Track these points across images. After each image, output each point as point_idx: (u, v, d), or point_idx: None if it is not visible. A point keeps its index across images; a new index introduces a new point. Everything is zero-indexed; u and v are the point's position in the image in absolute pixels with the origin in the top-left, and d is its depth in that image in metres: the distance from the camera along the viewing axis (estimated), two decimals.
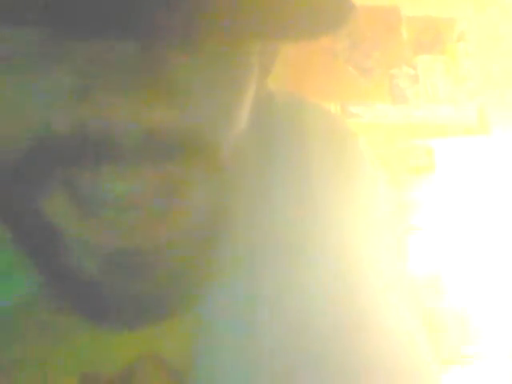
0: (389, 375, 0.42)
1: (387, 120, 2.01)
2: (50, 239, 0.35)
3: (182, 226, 0.35)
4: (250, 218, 0.43)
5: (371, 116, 2.00)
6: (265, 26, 0.30)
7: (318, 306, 0.43)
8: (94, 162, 0.32)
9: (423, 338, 0.47)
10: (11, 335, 0.40)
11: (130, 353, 0.42)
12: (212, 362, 0.42)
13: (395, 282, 0.48)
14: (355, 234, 0.47)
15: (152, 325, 0.37)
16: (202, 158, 0.35)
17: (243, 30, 0.29)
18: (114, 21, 0.27)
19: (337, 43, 1.99)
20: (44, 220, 0.34)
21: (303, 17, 0.31)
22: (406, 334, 0.45)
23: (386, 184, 0.52)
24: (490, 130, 2.09)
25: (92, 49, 0.31)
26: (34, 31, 0.31)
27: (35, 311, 0.40)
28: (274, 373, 0.41)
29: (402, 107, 2.03)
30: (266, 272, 0.43)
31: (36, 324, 0.40)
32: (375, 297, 0.45)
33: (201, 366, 0.42)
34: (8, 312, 0.40)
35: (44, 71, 0.32)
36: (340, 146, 0.49)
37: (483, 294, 1.98)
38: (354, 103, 1.99)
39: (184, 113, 0.33)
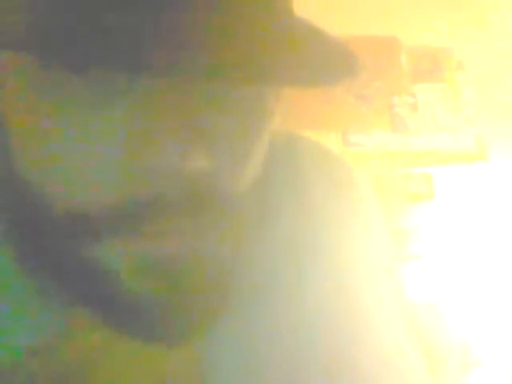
0: None
1: (387, 148, 2.02)
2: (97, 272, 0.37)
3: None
4: (253, 257, 0.44)
5: (371, 144, 2.01)
6: (277, 73, 0.32)
7: (316, 343, 0.45)
8: (141, 212, 0.34)
9: (416, 357, 0.49)
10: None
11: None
12: None
13: (393, 308, 0.50)
14: (354, 266, 0.49)
15: (174, 344, 0.39)
16: (220, 204, 0.36)
17: (257, 76, 0.31)
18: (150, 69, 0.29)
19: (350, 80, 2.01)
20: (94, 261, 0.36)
21: (312, 68, 0.34)
22: (399, 351, 0.48)
23: (381, 214, 0.54)
24: (488, 157, 2.11)
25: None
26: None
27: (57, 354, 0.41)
28: None
29: (402, 135, 2.05)
30: (267, 309, 0.45)
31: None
32: (375, 325, 0.48)
33: None
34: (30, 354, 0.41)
35: (91, 130, 0.33)
36: (337, 181, 0.51)
37: (483, 321, 1.98)
38: (354, 132, 2.01)
39: (217, 163, 0.34)
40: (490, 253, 2.01)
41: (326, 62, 0.34)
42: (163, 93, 0.32)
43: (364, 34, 1.99)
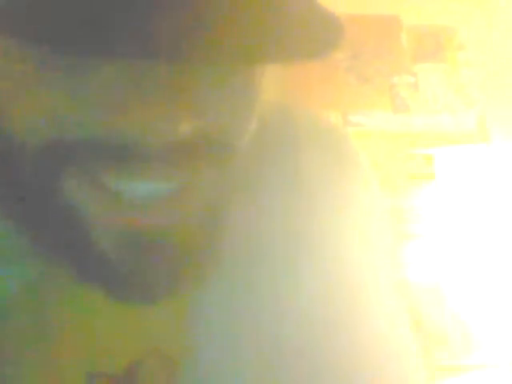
0: (377, 377, 0.45)
1: (388, 128, 2.02)
2: (68, 220, 0.37)
3: (190, 211, 0.38)
4: (248, 220, 0.46)
5: (372, 124, 2.01)
6: (261, 49, 0.33)
7: (312, 309, 0.45)
8: (121, 161, 0.35)
9: (413, 344, 0.49)
10: (16, 322, 0.41)
11: (133, 348, 0.43)
12: (208, 355, 0.44)
13: (389, 288, 0.50)
14: (351, 240, 0.49)
15: (155, 301, 0.40)
16: (216, 158, 0.38)
17: (241, 51, 0.32)
18: (147, 42, 0.30)
19: (337, 52, 2.00)
20: (63, 202, 0.37)
21: (296, 41, 0.34)
22: (397, 339, 0.48)
23: (379, 187, 0.53)
24: (490, 137, 2.10)
25: (128, 67, 0.34)
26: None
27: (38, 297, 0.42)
28: (264, 366, 0.44)
29: (403, 116, 2.04)
30: (261, 273, 0.45)
31: (38, 312, 0.42)
32: (370, 302, 0.48)
33: (198, 359, 0.44)
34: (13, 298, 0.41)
35: (82, 81, 0.34)
36: (334, 149, 0.51)
37: (484, 302, 1.98)
38: (354, 112, 2.00)
39: (205, 121, 0.36)
40: (490, 234, 2.01)
41: (313, 34, 0.35)
42: (154, 65, 0.34)
43: (365, 12, 1.98)
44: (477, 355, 1.96)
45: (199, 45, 0.31)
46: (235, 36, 0.31)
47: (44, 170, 0.37)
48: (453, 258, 1.99)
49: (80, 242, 0.38)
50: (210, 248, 0.41)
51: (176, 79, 0.34)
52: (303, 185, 0.48)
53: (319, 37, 0.35)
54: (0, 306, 0.41)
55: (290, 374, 0.44)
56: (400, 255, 1.93)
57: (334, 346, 0.45)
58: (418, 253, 1.97)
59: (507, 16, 2.11)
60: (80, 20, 0.30)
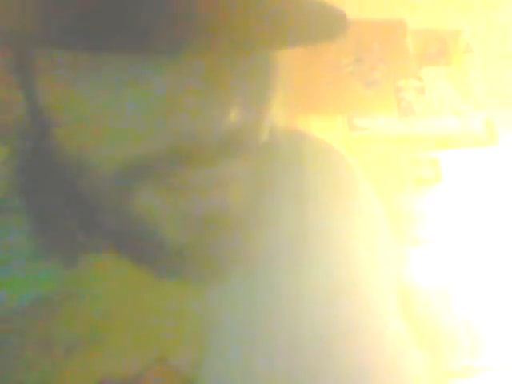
0: (381, 379, 0.47)
1: (394, 132, 2.02)
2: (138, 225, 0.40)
3: (239, 197, 0.41)
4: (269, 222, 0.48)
5: (378, 128, 2.01)
6: (264, 35, 0.36)
7: (317, 311, 0.47)
8: (183, 158, 0.38)
9: (412, 347, 0.50)
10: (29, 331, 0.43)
11: (141, 356, 0.45)
12: (220, 366, 0.46)
13: (390, 291, 0.52)
14: (353, 246, 0.51)
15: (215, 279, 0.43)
16: (251, 150, 0.41)
17: (248, 39, 0.35)
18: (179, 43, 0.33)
19: (342, 56, 2.00)
20: (135, 212, 0.40)
21: (299, 27, 0.37)
22: (398, 341, 0.49)
23: (379, 204, 0.56)
24: (497, 140, 2.10)
25: (171, 66, 0.36)
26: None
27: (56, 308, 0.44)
28: (274, 377, 0.46)
29: (409, 119, 2.04)
30: (273, 278, 0.48)
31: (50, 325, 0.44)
32: (373, 305, 0.50)
33: (209, 370, 0.45)
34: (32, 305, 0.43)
35: (134, 91, 0.37)
36: (335, 171, 0.54)
37: (492, 305, 1.97)
38: (360, 116, 2.00)
39: (244, 110, 0.39)
40: (498, 237, 2.01)
41: (314, 20, 0.37)
42: (193, 65, 0.36)
43: (370, 16, 1.98)
44: (485, 358, 1.95)
45: (216, 37, 0.33)
46: (242, 25, 0.34)
47: (117, 189, 0.39)
48: (460, 261, 1.99)
49: (146, 240, 0.41)
50: (254, 233, 0.43)
51: (213, 72, 0.36)
52: (308, 200, 0.50)
53: (322, 22, 0.38)
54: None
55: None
56: (407, 259, 1.93)
57: (347, 353, 0.47)
58: (425, 257, 1.97)
59: None
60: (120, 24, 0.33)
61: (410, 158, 2.01)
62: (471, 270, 1.99)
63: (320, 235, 0.50)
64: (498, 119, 2.10)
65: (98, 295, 0.45)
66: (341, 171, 0.54)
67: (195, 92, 0.36)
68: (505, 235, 2.00)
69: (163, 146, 0.37)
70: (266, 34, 0.35)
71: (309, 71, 1.89)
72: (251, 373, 0.46)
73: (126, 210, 0.40)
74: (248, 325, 0.47)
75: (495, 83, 2.10)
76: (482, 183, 2.04)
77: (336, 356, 0.46)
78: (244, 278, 0.46)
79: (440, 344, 1.88)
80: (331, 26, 0.38)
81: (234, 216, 0.41)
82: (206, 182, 0.39)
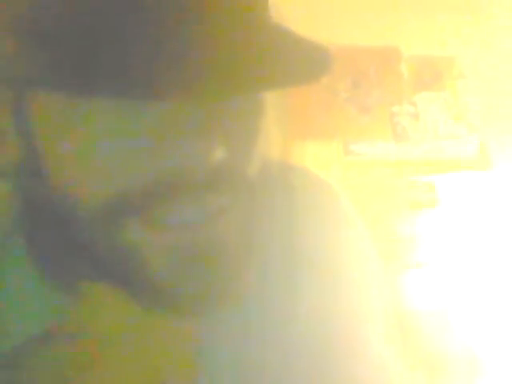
0: None
1: (389, 157, 2.03)
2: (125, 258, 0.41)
3: (228, 233, 0.42)
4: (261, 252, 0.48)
5: (373, 154, 2.02)
6: (253, 78, 0.37)
7: (308, 340, 0.49)
8: (169, 194, 0.39)
9: (398, 368, 0.52)
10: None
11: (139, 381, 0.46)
12: None
13: (379, 317, 0.54)
14: (342, 275, 0.53)
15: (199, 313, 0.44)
16: (239, 185, 0.42)
17: (240, 82, 0.37)
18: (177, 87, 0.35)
19: (337, 82, 2.02)
20: (120, 246, 0.41)
21: (289, 70, 0.38)
22: (385, 362, 0.51)
23: (367, 233, 0.58)
24: (492, 164, 2.10)
25: (165, 108, 0.37)
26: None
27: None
28: None
29: (404, 144, 2.05)
30: (264, 307, 0.49)
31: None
32: (363, 329, 0.52)
33: None
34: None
35: (123, 128, 0.38)
36: (324, 204, 0.56)
37: (488, 329, 1.97)
38: (355, 141, 2.01)
39: (232, 147, 0.40)
40: (493, 261, 2.01)
41: (301, 63, 0.39)
42: (184, 104, 0.38)
43: (365, 43, 2.00)
44: (484, 381, 1.94)
45: (205, 83, 0.35)
46: (231, 70, 0.36)
47: (105, 224, 0.40)
48: (458, 285, 1.99)
49: (135, 273, 0.42)
50: (244, 267, 0.44)
51: (203, 113, 0.38)
52: (297, 232, 0.52)
53: (307, 65, 0.40)
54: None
55: None
56: (404, 283, 1.93)
57: (330, 369, 0.49)
58: (422, 281, 1.97)
59: (508, 41, 2.13)
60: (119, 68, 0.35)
61: (405, 182, 2.02)
62: (468, 294, 1.99)
63: (308, 264, 0.51)
64: (491, 143, 2.11)
65: (94, 325, 0.46)
66: (329, 204, 0.56)
67: (182, 129, 0.37)
68: (500, 258, 2.01)
69: (150, 181, 0.38)
70: (253, 77, 0.37)
71: (304, 97, 1.91)
72: None
73: (115, 244, 0.41)
74: (240, 353, 0.48)
75: (489, 107, 2.12)
76: (478, 206, 2.05)
77: (326, 381, 0.48)
78: (235, 308, 0.47)
79: (439, 368, 1.87)
80: (317, 67, 0.40)
81: (222, 252, 0.42)
82: (193, 217, 0.40)
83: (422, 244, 2.00)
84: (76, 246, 0.43)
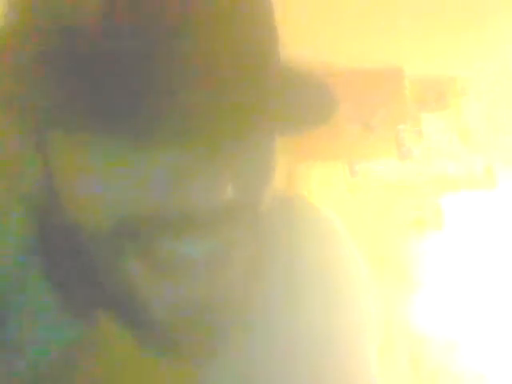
0: None
1: (394, 177, 2.04)
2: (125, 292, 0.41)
3: (232, 272, 0.42)
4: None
5: (378, 174, 2.02)
6: (261, 123, 0.38)
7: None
8: (174, 232, 0.39)
9: None
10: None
11: None
12: None
13: (375, 334, 0.55)
14: (342, 294, 0.54)
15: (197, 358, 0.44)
16: (246, 224, 0.42)
17: (250, 126, 0.38)
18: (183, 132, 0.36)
19: (342, 103, 2.03)
20: (120, 277, 0.41)
21: (294, 116, 0.39)
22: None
23: (360, 257, 0.58)
24: (497, 183, 2.11)
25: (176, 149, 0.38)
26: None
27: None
28: None
29: (409, 164, 2.06)
30: (263, 347, 0.49)
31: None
32: (363, 347, 0.53)
33: None
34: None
35: (139, 162, 0.39)
36: (327, 238, 0.56)
37: (496, 350, 1.96)
38: (360, 162, 2.02)
39: (239, 186, 0.40)
40: (500, 280, 2.01)
41: (308, 109, 0.40)
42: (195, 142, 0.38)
43: (367, 65, 2.01)
44: None
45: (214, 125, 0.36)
46: (244, 113, 0.37)
47: (112, 257, 0.41)
48: (462, 307, 1.99)
49: (137, 313, 0.42)
50: (247, 311, 0.44)
51: (214, 152, 0.38)
52: (299, 269, 0.52)
53: (315, 110, 0.40)
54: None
55: None
56: (409, 303, 1.93)
57: None
58: (427, 300, 1.96)
59: (509, 61, 2.14)
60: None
61: (411, 201, 2.03)
62: (475, 314, 1.98)
63: (309, 289, 0.52)
64: (496, 162, 2.11)
65: (101, 358, 0.46)
66: (326, 231, 0.56)
67: (192, 167, 0.38)
68: (507, 278, 2.00)
69: (158, 216, 0.39)
70: (264, 121, 0.38)
71: None
72: None
73: (119, 280, 0.41)
74: None
75: (492, 126, 2.13)
76: (483, 225, 2.05)
77: None
78: (237, 351, 0.47)
79: None
80: (324, 112, 0.40)
81: (223, 297, 0.42)
82: (195, 255, 0.40)
83: (427, 264, 2.00)
84: (87, 275, 0.44)
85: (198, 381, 0.47)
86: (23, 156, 0.44)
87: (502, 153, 2.11)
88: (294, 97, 0.39)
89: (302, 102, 0.40)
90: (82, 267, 0.44)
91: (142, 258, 0.40)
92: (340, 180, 1.99)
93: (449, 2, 1.98)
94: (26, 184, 0.44)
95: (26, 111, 0.40)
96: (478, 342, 1.96)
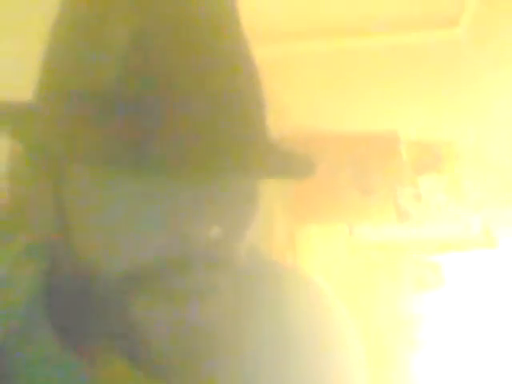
0: None
1: (393, 238, 2.05)
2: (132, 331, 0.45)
3: (221, 307, 0.46)
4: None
5: (378, 235, 2.04)
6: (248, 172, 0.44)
7: None
8: (173, 270, 0.43)
9: None
10: None
11: None
12: None
13: None
14: (332, 359, 0.56)
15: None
16: (231, 261, 0.46)
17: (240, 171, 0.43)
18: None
19: (339, 166, 2.07)
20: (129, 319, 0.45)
21: (277, 169, 0.45)
22: None
23: (350, 324, 0.60)
24: (496, 242, 2.11)
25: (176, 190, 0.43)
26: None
27: None
28: None
29: (407, 225, 2.07)
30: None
31: None
32: None
33: None
34: None
35: (138, 208, 0.43)
36: (312, 305, 0.58)
37: None
38: (359, 223, 2.04)
39: (227, 227, 0.44)
40: (500, 341, 1.99)
41: (287, 169, 0.46)
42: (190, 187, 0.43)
43: (363, 128, 2.05)
44: None
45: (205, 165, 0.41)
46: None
47: (122, 294, 0.44)
48: (461, 365, 1.97)
49: (140, 351, 0.45)
50: (234, 350, 0.48)
51: (205, 194, 0.43)
52: (290, 336, 0.55)
53: (293, 170, 0.46)
54: None
55: None
56: (409, 363, 1.91)
57: None
58: (427, 360, 1.95)
59: (508, 121, 2.16)
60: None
61: (410, 262, 2.03)
62: (475, 374, 1.96)
63: (297, 354, 0.54)
64: (495, 221, 2.11)
65: None
66: (317, 305, 0.58)
67: (184, 209, 0.42)
68: (507, 339, 1.99)
69: (159, 257, 0.43)
70: (247, 177, 0.44)
71: (307, 181, 1.94)
72: None
73: (124, 317, 0.44)
74: None
75: (491, 187, 2.13)
76: (484, 285, 2.04)
77: None
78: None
79: None
80: (301, 173, 0.47)
81: (214, 328, 0.45)
82: (190, 288, 0.44)
83: (428, 324, 1.99)
84: (94, 316, 0.47)
85: None
86: (40, 201, 0.48)
87: (500, 211, 2.11)
88: (275, 164, 0.45)
89: (281, 167, 0.45)
90: (87, 310, 0.47)
91: (150, 296, 0.44)
92: (340, 241, 2.01)
93: (444, 67, 2.03)
94: (41, 232, 0.47)
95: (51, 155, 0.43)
96: None
